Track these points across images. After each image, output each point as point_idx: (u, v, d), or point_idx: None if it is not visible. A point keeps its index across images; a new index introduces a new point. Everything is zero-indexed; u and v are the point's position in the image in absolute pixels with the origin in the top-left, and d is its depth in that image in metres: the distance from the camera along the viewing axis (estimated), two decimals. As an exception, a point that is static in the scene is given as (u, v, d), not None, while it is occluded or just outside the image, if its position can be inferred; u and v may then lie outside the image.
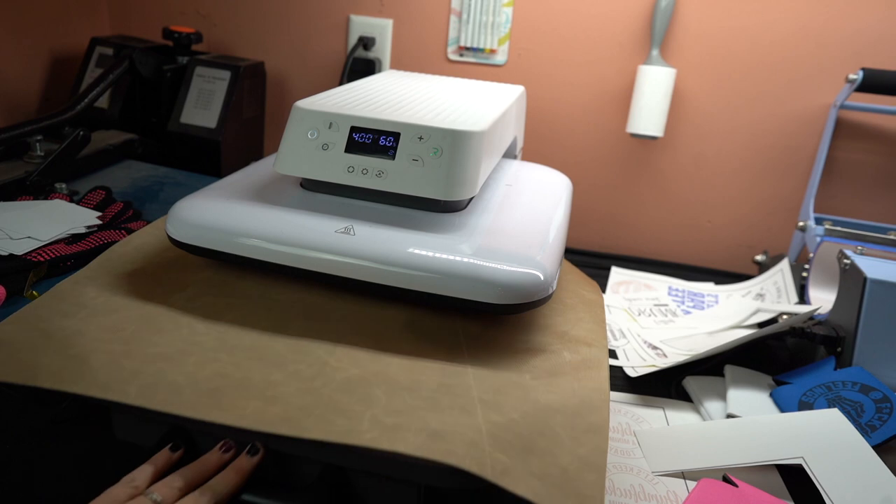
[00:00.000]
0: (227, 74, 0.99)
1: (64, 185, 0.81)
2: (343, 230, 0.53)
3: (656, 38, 0.95)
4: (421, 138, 0.55)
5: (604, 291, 0.88)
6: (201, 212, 0.56)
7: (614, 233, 1.08)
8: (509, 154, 0.78)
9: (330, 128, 0.56)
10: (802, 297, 0.83)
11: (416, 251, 0.52)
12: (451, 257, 0.51)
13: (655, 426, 0.62)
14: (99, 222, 0.73)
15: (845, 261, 0.69)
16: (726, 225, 1.04)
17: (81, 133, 0.83)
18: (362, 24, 1.06)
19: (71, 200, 0.78)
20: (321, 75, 1.10)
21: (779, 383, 0.67)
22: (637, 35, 0.98)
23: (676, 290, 0.91)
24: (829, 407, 0.61)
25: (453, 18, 1.02)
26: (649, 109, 0.94)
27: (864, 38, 0.92)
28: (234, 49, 1.12)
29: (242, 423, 0.42)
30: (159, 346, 0.48)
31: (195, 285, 0.57)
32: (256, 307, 0.55)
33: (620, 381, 0.68)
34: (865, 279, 0.64)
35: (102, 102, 1.00)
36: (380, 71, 1.06)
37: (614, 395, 0.65)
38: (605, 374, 0.52)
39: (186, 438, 0.46)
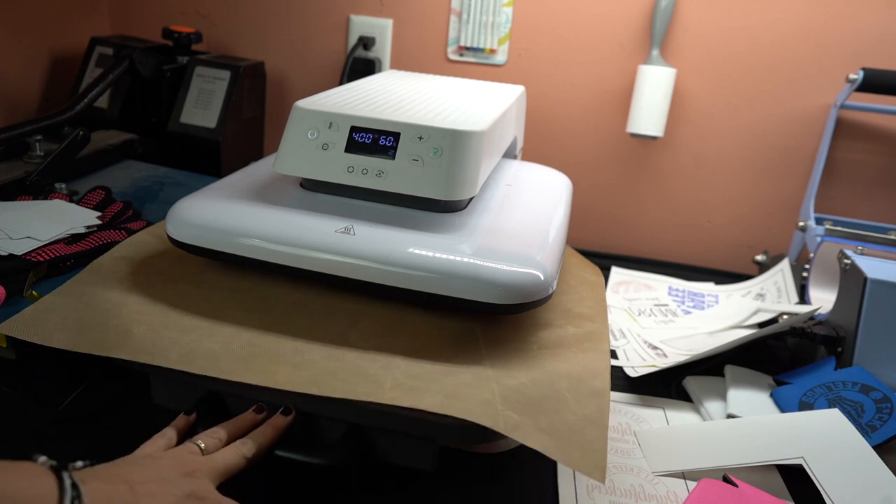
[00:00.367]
0: (227, 74, 0.99)
1: (64, 185, 0.81)
2: (343, 230, 0.54)
3: (656, 38, 0.95)
4: (421, 138, 0.55)
5: (604, 291, 0.88)
6: (201, 212, 0.56)
7: (614, 233, 1.08)
8: (509, 154, 0.78)
9: (330, 128, 0.56)
10: (803, 297, 0.83)
11: (416, 251, 0.52)
12: (452, 257, 0.51)
13: (655, 426, 0.62)
14: (99, 222, 0.72)
15: (846, 261, 0.69)
16: (726, 225, 1.04)
17: (81, 133, 0.83)
18: (362, 24, 1.06)
19: (71, 200, 0.78)
20: (321, 75, 1.10)
21: (779, 383, 0.67)
22: (637, 35, 0.98)
23: (676, 290, 0.91)
24: (829, 407, 0.60)
25: (453, 18, 1.02)
26: (649, 109, 0.94)
27: (864, 38, 0.92)
28: (234, 49, 1.12)
29: (275, 384, 0.46)
30: (194, 319, 0.53)
31: (224, 269, 0.60)
32: (284, 287, 0.59)
33: (620, 381, 0.68)
34: (866, 279, 0.64)
35: (102, 102, 1.00)
36: (380, 71, 1.06)
37: (614, 395, 0.65)
38: (606, 345, 0.56)
39: (220, 403, 0.49)
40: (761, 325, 0.79)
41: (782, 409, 0.63)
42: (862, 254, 0.71)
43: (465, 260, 0.51)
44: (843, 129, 0.96)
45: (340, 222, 0.54)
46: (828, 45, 0.93)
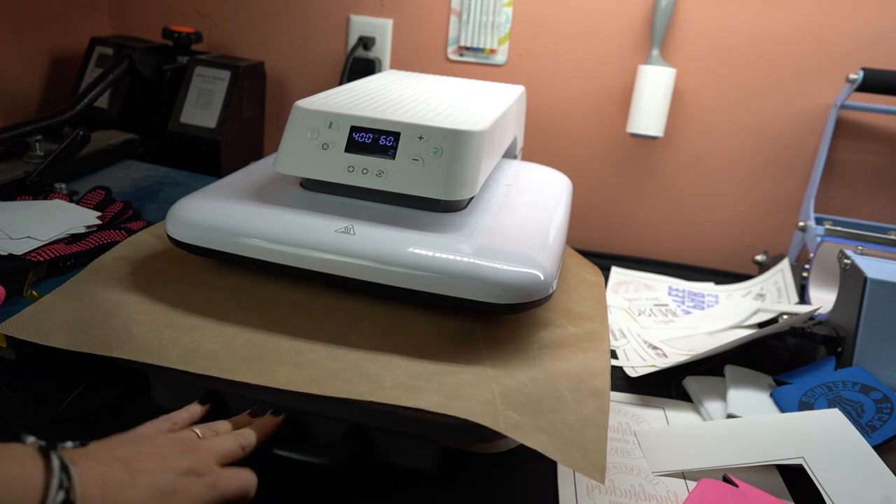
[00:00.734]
0: (226, 74, 0.99)
1: (64, 185, 0.81)
2: (343, 230, 0.54)
3: (656, 38, 0.95)
4: (421, 138, 0.55)
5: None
6: (201, 212, 0.56)
7: (614, 233, 1.08)
8: (509, 154, 0.78)
9: (330, 127, 0.56)
10: (803, 297, 0.83)
11: (416, 251, 0.52)
12: (452, 257, 0.51)
13: (655, 426, 0.61)
14: (98, 222, 0.72)
15: (846, 261, 0.69)
16: (726, 225, 1.04)
17: (81, 133, 0.83)
18: (362, 24, 1.06)
19: (71, 200, 0.78)
20: (321, 75, 1.10)
21: (779, 383, 0.67)
22: (637, 35, 0.98)
23: (676, 290, 0.91)
24: (829, 407, 0.60)
25: (453, 18, 1.02)
26: (649, 109, 0.94)
27: (864, 38, 0.92)
28: (234, 49, 1.12)
29: (276, 384, 0.46)
30: (195, 319, 0.53)
31: (225, 269, 0.60)
32: (284, 287, 0.59)
33: (620, 381, 0.68)
34: (866, 279, 0.64)
35: (102, 102, 1.00)
36: (380, 71, 1.06)
37: (614, 395, 0.65)
38: (606, 345, 0.56)
39: (220, 403, 0.49)
40: (761, 325, 0.79)
41: (782, 409, 0.63)
42: (862, 254, 0.71)
43: (466, 260, 0.51)
44: (843, 129, 0.96)
45: (340, 222, 0.54)
46: (828, 44, 0.93)
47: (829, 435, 0.56)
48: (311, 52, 1.10)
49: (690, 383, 0.68)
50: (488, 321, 0.56)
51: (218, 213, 0.56)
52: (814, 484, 0.53)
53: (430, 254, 0.52)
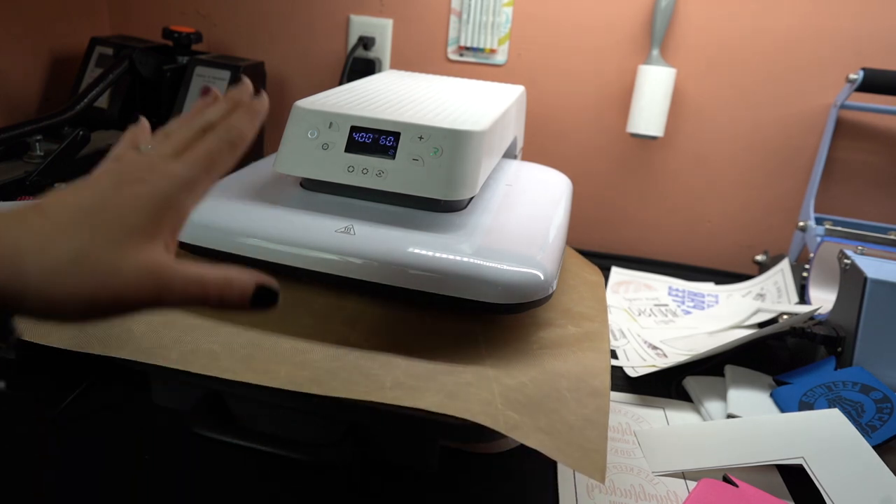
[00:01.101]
0: (227, 74, 0.99)
1: (64, 186, 0.81)
2: (343, 230, 0.54)
3: (656, 38, 0.95)
4: (421, 138, 0.55)
5: (604, 291, 0.88)
6: (201, 211, 0.56)
7: (614, 233, 1.08)
8: (509, 154, 0.78)
9: (330, 127, 0.56)
10: (803, 297, 0.83)
11: (417, 251, 0.52)
12: (452, 257, 0.51)
13: (655, 426, 0.61)
14: (99, 222, 0.72)
15: (846, 261, 0.69)
16: (726, 225, 1.04)
17: (81, 133, 0.83)
18: (362, 24, 1.06)
19: (71, 200, 0.78)
20: (321, 75, 1.10)
21: (779, 383, 0.67)
22: (637, 35, 0.98)
23: (676, 290, 0.91)
24: (829, 407, 0.60)
25: (453, 18, 1.02)
26: (649, 109, 0.94)
27: (864, 38, 0.92)
28: (234, 49, 1.12)
29: (276, 384, 0.46)
30: (195, 318, 0.52)
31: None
32: (284, 287, 0.58)
33: (620, 381, 0.68)
34: (866, 279, 0.64)
35: (102, 102, 1.00)
36: (380, 71, 1.06)
37: (614, 395, 0.65)
38: (606, 345, 0.56)
39: (220, 403, 0.49)
40: (761, 325, 0.79)
41: (782, 409, 0.63)
42: (862, 254, 0.71)
43: (466, 260, 0.51)
44: (843, 130, 0.96)
45: (340, 222, 0.54)
46: (828, 45, 0.93)
47: (829, 435, 0.56)
48: (311, 52, 1.10)
49: (690, 383, 0.68)
50: (488, 321, 0.56)
51: (218, 213, 0.56)
52: (814, 484, 0.53)
53: (431, 254, 0.52)
